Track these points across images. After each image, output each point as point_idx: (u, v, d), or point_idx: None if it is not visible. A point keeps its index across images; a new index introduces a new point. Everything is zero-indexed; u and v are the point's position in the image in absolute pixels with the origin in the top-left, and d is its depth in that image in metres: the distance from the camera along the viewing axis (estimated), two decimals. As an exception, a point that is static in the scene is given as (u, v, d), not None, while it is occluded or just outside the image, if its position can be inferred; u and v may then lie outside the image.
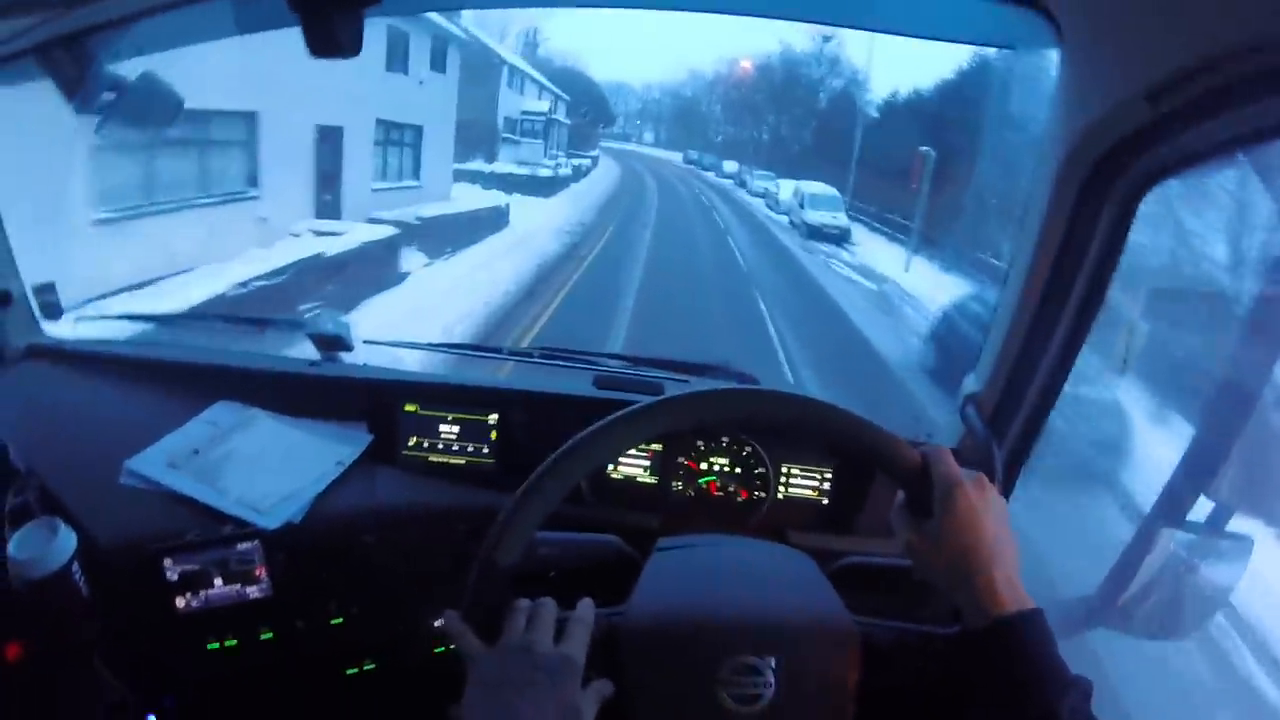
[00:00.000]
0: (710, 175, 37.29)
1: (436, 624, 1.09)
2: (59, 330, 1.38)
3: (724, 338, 8.12)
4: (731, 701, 0.69)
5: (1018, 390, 1.10)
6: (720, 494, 1.27)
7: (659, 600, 0.76)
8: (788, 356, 7.75)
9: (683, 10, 1.14)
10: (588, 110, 30.76)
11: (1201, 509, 1.10)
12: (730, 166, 37.08)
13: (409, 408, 1.26)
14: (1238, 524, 1.11)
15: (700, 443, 1.26)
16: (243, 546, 1.03)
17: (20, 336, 1.32)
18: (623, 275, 10.60)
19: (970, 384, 1.18)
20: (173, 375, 1.31)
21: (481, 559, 0.69)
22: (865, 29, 1.24)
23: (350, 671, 1.16)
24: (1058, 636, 0.69)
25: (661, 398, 0.71)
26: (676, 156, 45.63)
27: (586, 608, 0.73)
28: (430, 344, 1.49)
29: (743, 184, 30.46)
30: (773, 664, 0.70)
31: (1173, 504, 1.12)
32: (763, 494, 1.26)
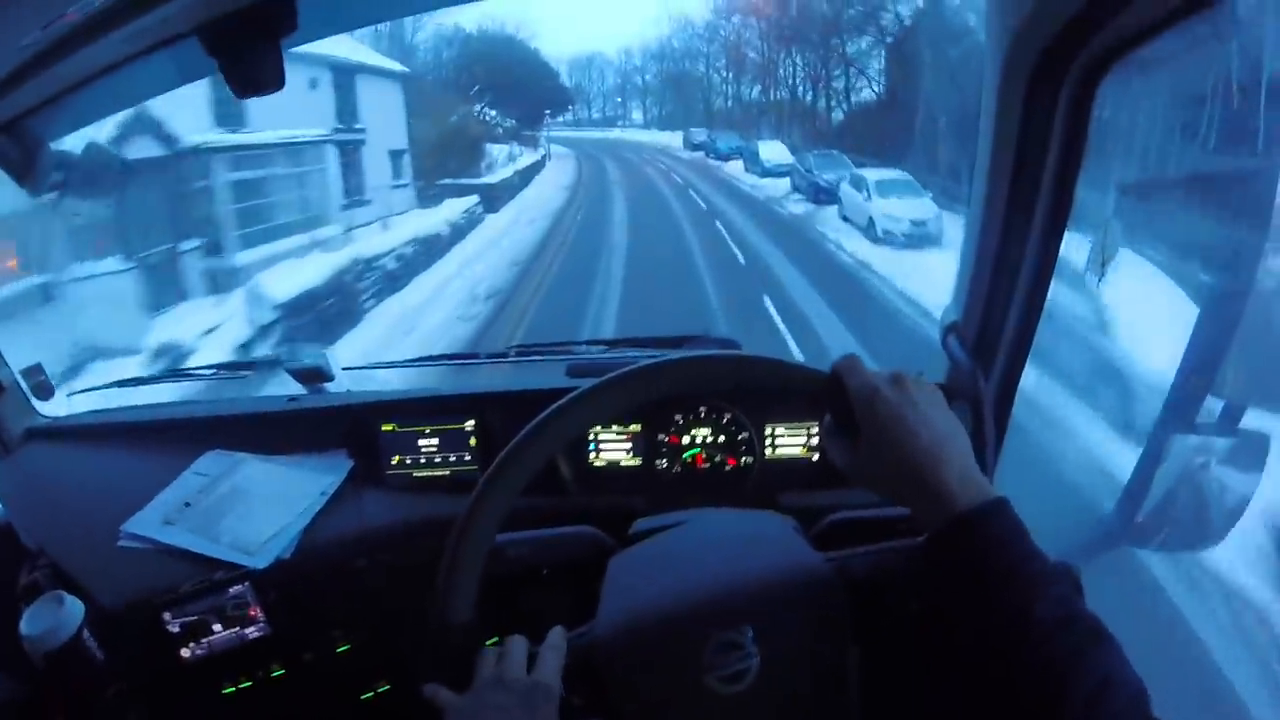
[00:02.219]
0: (733, 169, 22.32)
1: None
2: (53, 409, 1.41)
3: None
4: (719, 684, 0.67)
5: (998, 312, 1.06)
6: (707, 465, 1.25)
7: (624, 606, 0.73)
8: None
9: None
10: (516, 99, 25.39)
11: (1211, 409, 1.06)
12: (775, 153, 20.32)
13: (386, 427, 1.27)
14: (1251, 420, 1.06)
15: (679, 417, 1.25)
16: (234, 590, 1.05)
17: (17, 422, 1.35)
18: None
19: (949, 313, 1.15)
20: (163, 433, 1.33)
21: (432, 625, 0.68)
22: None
23: (365, 696, 1.16)
24: (1080, 561, 0.65)
25: (550, 410, 0.69)
26: (675, 139, 33.81)
27: (556, 634, 0.70)
28: (407, 360, 1.50)
29: (827, 194, 14.63)
30: (750, 634, 0.67)
31: (1180, 408, 1.07)
32: (750, 459, 1.24)
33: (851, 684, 0.68)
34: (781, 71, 32.04)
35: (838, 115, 27.99)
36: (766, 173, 19.66)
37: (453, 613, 0.68)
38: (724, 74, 38.65)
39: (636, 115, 48.44)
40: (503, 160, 21.80)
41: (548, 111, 32.70)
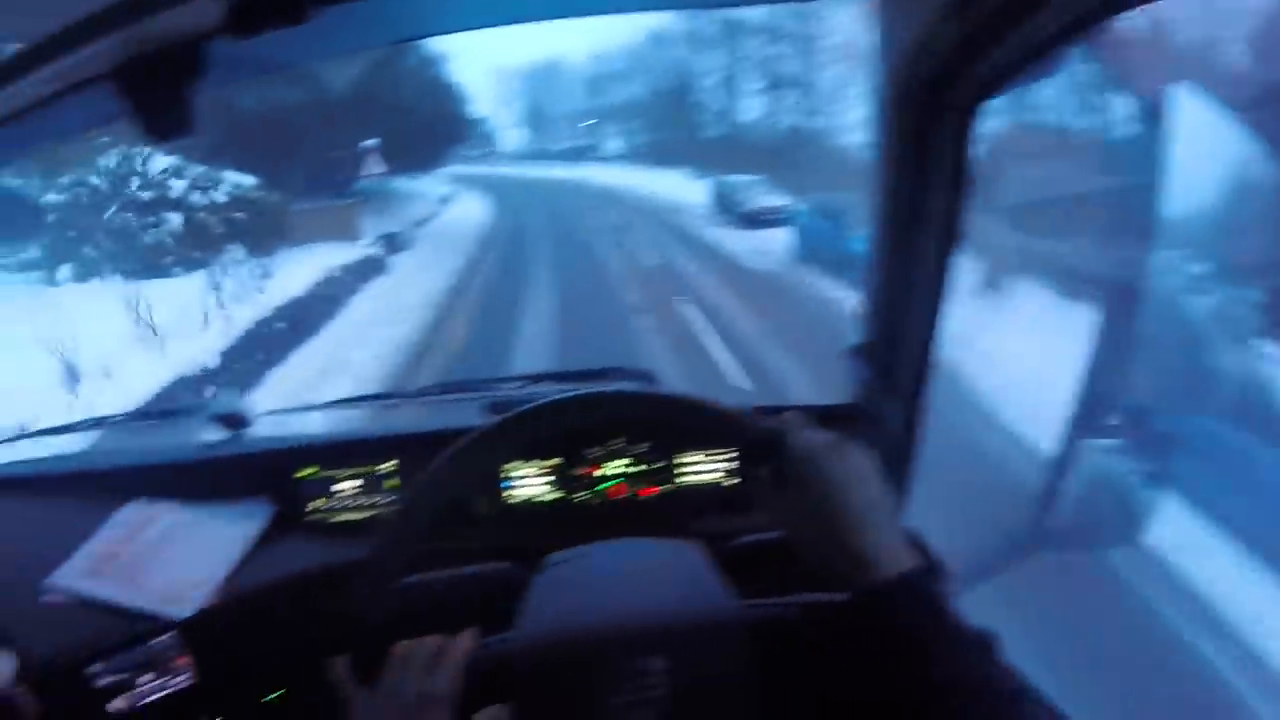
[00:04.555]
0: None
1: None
2: (-33, 461, 1.36)
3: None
4: (627, 710, 0.68)
5: (900, 332, 1.09)
6: (625, 496, 1.26)
7: (542, 619, 0.74)
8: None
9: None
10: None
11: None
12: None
13: (306, 472, 1.25)
14: (1159, 420, 1.12)
15: (594, 450, 1.25)
16: (160, 640, 1.02)
17: (-70, 477, 1.30)
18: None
19: (854, 334, 1.18)
20: (82, 485, 1.30)
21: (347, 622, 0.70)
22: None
23: None
24: (999, 571, 0.67)
25: (466, 439, 0.71)
26: (683, 188, 21.32)
27: (464, 638, 0.72)
28: (327, 402, 1.49)
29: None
30: (660, 665, 0.69)
31: (1086, 412, 1.12)
32: (668, 485, 1.25)
33: None
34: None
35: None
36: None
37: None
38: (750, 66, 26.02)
39: (613, 145, 35.08)
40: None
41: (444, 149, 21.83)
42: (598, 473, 1.26)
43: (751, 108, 27.81)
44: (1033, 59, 0.84)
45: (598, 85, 36.20)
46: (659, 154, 30.26)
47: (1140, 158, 0.97)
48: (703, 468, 1.26)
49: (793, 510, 0.68)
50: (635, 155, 33.01)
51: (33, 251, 8.85)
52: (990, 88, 0.90)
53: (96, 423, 1.42)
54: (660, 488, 1.26)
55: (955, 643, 0.59)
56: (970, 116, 0.92)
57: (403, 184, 19.46)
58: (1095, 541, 1.16)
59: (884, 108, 0.95)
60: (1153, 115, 1.02)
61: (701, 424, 0.73)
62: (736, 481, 1.25)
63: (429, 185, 23.03)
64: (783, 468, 0.69)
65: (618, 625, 0.72)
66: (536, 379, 1.41)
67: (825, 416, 0.78)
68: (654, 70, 32.74)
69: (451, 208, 21.52)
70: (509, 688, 0.70)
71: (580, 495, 1.26)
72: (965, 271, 1.02)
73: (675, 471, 1.25)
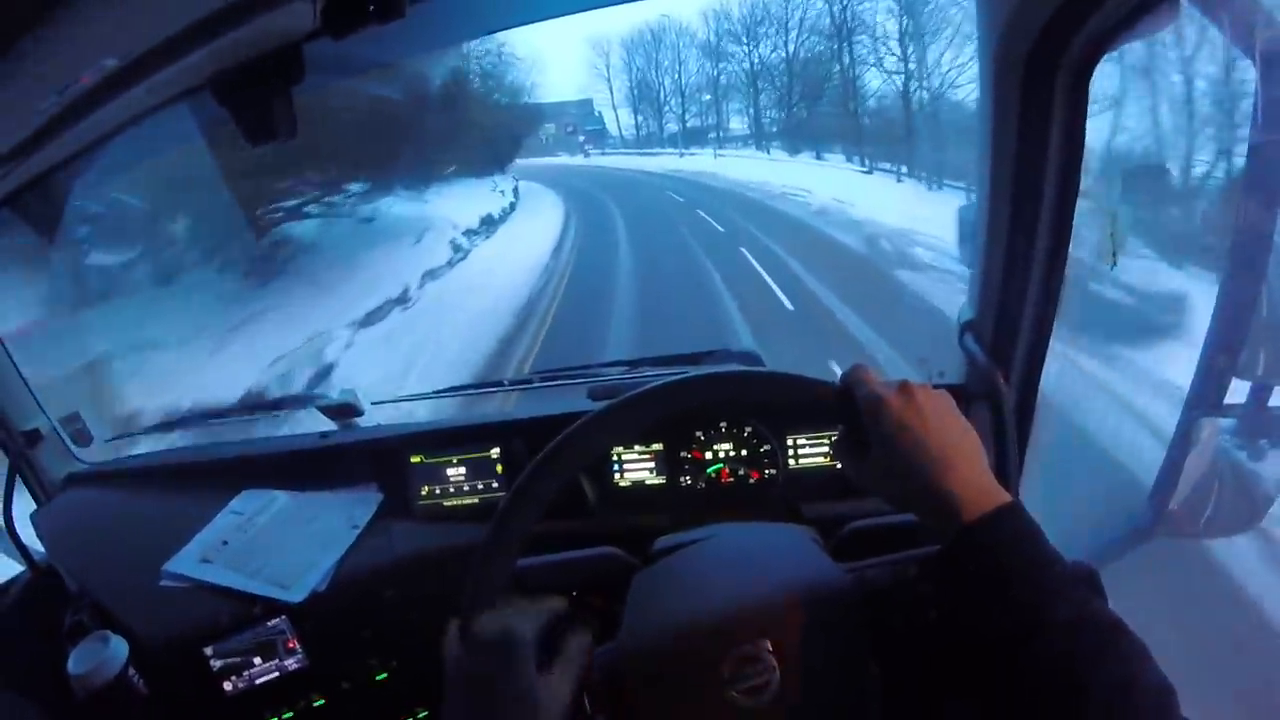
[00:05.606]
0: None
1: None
2: (93, 454, 1.46)
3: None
4: (741, 698, 0.66)
5: (1013, 307, 1.05)
6: (732, 480, 1.25)
7: (645, 623, 0.73)
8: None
9: None
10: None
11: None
12: None
13: (415, 459, 1.29)
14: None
15: (700, 433, 1.25)
16: (272, 623, 1.08)
17: (58, 468, 1.40)
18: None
19: (965, 311, 1.14)
20: (200, 475, 1.37)
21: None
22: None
23: None
24: (1112, 559, 0.63)
25: (562, 436, 0.70)
26: (852, 183, 16.01)
27: (554, 600, 0.71)
28: (434, 392, 1.52)
29: None
30: (769, 647, 0.67)
31: (1206, 390, 1.05)
32: (773, 470, 1.24)
33: (871, 696, 0.67)
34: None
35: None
36: None
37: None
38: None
39: (736, 125, 26.50)
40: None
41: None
42: (705, 456, 1.26)
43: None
44: (1143, 13, 0.79)
45: (717, 50, 26.60)
46: (799, 135, 22.41)
47: (1263, 116, 0.90)
48: (808, 452, 1.24)
49: (875, 465, 0.65)
50: (756, 136, 25.23)
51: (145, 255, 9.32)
52: (1100, 45, 0.84)
53: (210, 416, 1.50)
54: (763, 472, 1.25)
55: (1051, 578, 0.57)
56: (1080, 78, 0.87)
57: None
58: (1212, 529, 1.08)
59: (989, 69, 0.90)
60: (1272, 69, 0.94)
61: (771, 396, 0.72)
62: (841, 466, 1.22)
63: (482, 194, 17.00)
64: (856, 422, 0.66)
65: (724, 614, 0.71)
66: (634, 364, 1.42)
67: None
68: (787, 25, 23.70)
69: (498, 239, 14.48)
70: (625, 696, 0.69)
71: (686, 479, 1.26)
72: (1078, 243, 0.97)
73: (781, 456, 1.24)
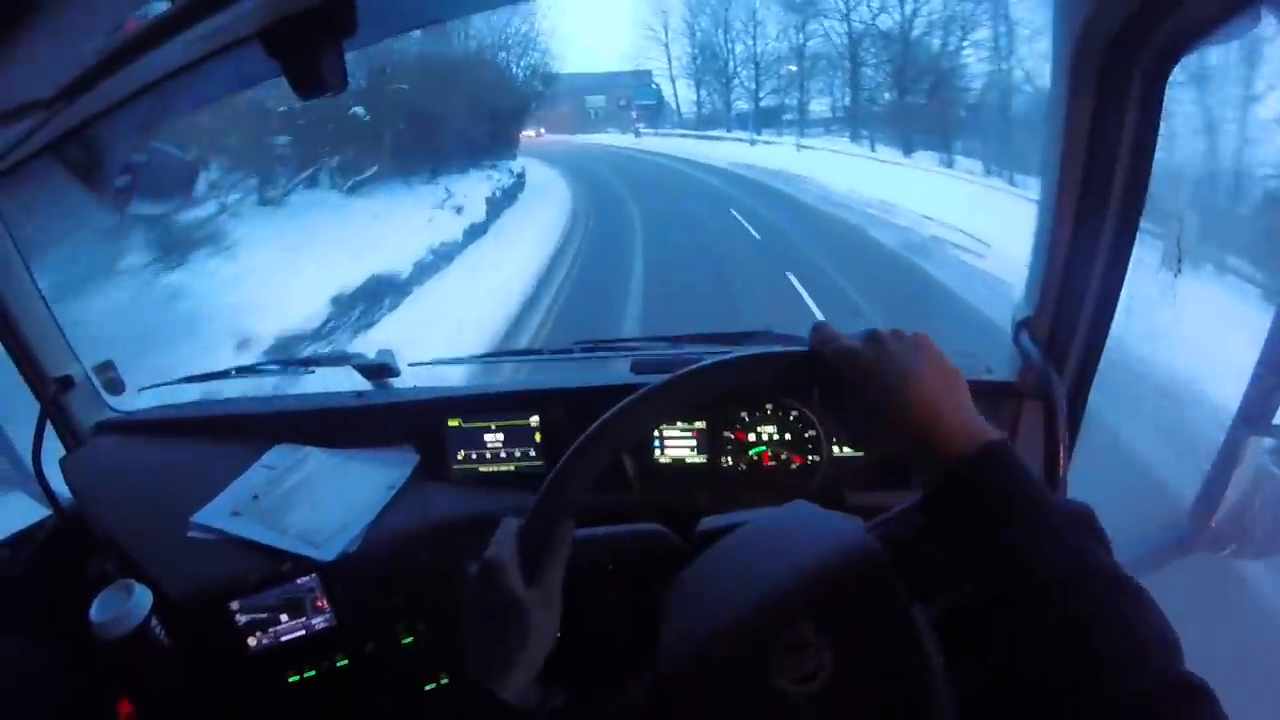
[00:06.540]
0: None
1: None
2: (124, 403, 1.46)
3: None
4: (793, 687, 0.64)
5: (1071, 307, 1.03)
6: (774, 463, 1.24)
7: (683, 635, 0.71)
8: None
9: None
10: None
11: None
12: None
13: (453, 423, 1.28)
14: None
15: (744, 414, 1.24)
16: (302, 580, 1.08)
17: (89, 415, 1.41)
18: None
19: (1021, 309, 1.12)
20: (232, 428, 1.37)
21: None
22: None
23: (427, 687, 1.18)
24: (1151, 570, 0.60)
25: (614, 410, 0.69)
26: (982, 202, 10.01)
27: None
28: (472, 356, 1.51)
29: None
30: (813, 629, 0.65)
31: (1255, 409, 1.03)
32: (816, 457, 1.23)
33: (927, 642, 0.63)
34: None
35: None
36: None
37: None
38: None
39: (818, 107, 21.08)
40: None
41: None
42: (748, 437, 1.25)
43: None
44: (1222, 17, 0.76)
45: (796, 16, 21.00)
46: (911, 127, 17.58)
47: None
48: None
49: (854, 416, 0.64)
50: (846, 126, 19.90)
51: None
52: (1177, 48, 0.82)
53: (245, 370, 1.49)
54: (806, 458, 1.24)
55: (1043, 521, 0.53)
56: (1155, 81, 0.84)
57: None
58: (1253, 548, 1.07)
59: (1063, 71, 0.88)
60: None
61: (746, 380, 0.70)
62: (887, 454, 1.19)
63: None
64: (832, 380, 0.65)
65: (759, 608, 0.69)
66: (678, 339, 1.40)
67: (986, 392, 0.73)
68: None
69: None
70: (680, 700, 0.67)
71: (727, 459, 1.25)
72: (1143, 246, 0.94)
73: (825, 442, 1.23)
